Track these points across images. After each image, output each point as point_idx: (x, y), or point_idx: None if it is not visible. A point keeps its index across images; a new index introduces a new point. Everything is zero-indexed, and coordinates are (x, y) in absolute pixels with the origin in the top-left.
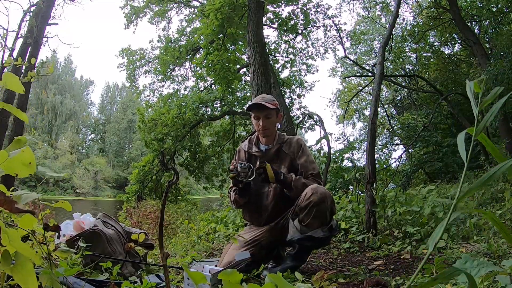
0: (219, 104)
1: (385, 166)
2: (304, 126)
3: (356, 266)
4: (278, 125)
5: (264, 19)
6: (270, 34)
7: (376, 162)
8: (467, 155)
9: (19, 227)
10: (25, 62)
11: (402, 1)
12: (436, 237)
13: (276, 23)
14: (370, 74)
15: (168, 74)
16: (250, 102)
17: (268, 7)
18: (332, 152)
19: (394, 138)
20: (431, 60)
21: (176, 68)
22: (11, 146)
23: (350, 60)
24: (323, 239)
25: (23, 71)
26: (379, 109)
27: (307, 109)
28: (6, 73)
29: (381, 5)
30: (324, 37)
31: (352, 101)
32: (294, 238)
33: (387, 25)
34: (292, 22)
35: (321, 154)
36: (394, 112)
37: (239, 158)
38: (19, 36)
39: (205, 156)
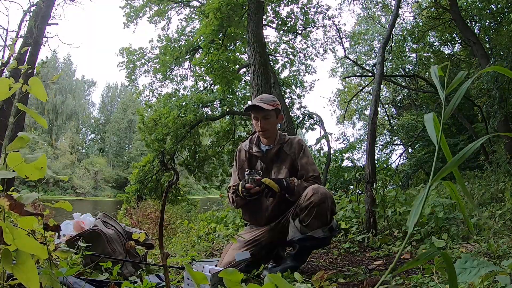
0: (219, 104)
1: (385, 166)
2: (304, 126)
3: (356, 266)
4: (279, 125)
5: (264, 18)
6: (270, 34)
7: (376, 162)
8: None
9: (19, 227)
10: (25, 63)
11: (402, 1)
12: (414, 217)
13: (276, 23)
14: (370, 74)
15: (168, 74)
16: (250, 102)
17: (267, 7)
18: (332, 152)
19: (394, 138)
20: (431, 60)
21: (176, 68)
22: (14, 144)
23: (350, 60)
24: (323, 239)
25: (22, 72)
26: (379, 109)
27: (307, 109)
28: (33, 78)
29: (381, 5)
30: (324, 37)
31: (352, 101)
32: (294, 238)
33: (387, 25)
34: (292, 22)
35: (321, 154)
36: (394, 112)
37: (239, 158)
38: (19, 36)
39: (205, 156)
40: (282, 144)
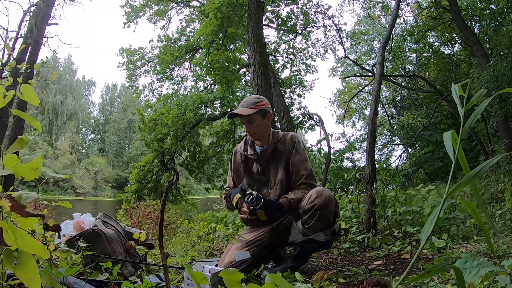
0: (219, 104)
1: (385, 166)
2: (304, 126)
3: (356, 266)
4: (278, 125)
5: (264, 18)
6: (270, 34)
7: (376, 162)
8: (454, 154)
9: (19, 227)
10: (24, 62)
11: (402, 1)
12: (428, 229)
13: (276, 23)
14: (370, 74)
15: (168, 74)
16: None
17: (267, 7)
18: (332, 152)
19: (394, 138)
20: (431, 60)
21: (176, 68)
22: (14, 145)
23: (350, 60)
24: (325, 242)
25: (22, 71)
26: (379, 109)
27: (307, 109)
28: (24, 85)
29: (381, 5)
30: (324, 37)
31: (352, 101)
32: (296, 241)
33: (387, 25)
34: (292, 22)
35: (321, 154)
36: (394, 112)
37: (235, 161)
38: (19, 36)
39: (205, 157)
40: (276, 143)
